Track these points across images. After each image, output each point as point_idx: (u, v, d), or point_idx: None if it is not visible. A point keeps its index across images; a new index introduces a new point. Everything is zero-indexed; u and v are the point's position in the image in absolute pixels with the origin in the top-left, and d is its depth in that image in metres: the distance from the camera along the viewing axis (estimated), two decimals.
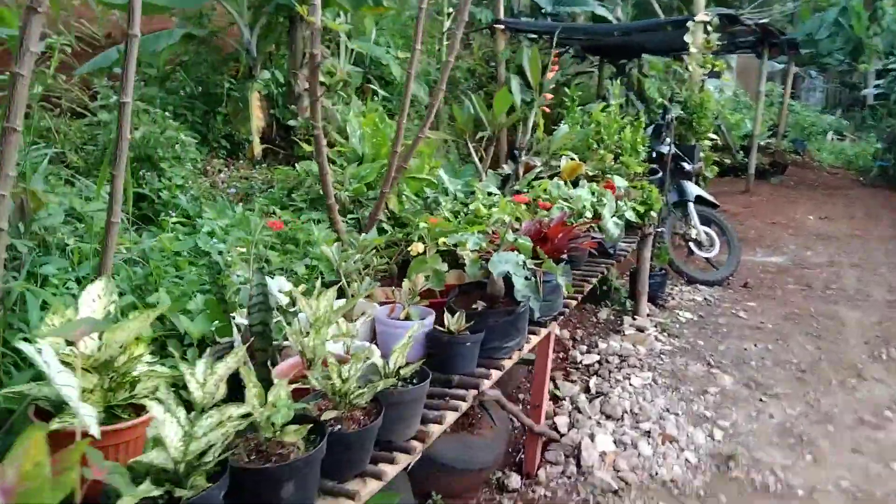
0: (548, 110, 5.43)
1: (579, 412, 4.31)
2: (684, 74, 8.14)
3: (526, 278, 2.69)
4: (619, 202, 4.36)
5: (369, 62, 7.38)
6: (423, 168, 4.50)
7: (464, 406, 2.36)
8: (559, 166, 4.82)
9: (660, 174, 6.16)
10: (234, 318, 2.21)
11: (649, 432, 4.11)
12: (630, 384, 4.68)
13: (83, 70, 5.00)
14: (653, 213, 4.91)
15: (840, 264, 7.82)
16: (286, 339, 2.07)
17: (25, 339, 1.93)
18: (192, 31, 5.52)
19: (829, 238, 9.09)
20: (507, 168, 5.06)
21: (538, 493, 3.60)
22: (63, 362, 1.46)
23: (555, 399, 4.50)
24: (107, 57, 5.05)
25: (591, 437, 3.99)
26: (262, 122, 5.28)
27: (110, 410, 1.65)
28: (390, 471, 1.94)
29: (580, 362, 5.06)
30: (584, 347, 5.32)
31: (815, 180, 13.67)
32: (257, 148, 5.21)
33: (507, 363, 2.74)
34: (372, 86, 6.77)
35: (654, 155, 6.58)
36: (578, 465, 3.79)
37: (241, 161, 5.35)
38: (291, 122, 5.57)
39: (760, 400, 4.57)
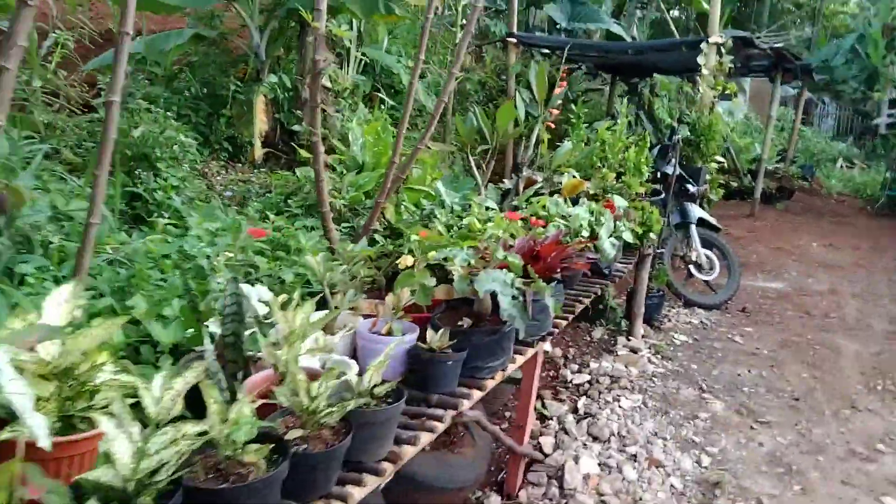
0: (553, 126, 5.39)
1: (566, 433, 4.26)
2: (695, 96, 8.09)
3: (513, 297, 2.65)
4: (617, 222, 4.32)
5: (380, 70, 7.38)
6: (426, 178, 4.47)
7: (440, 427, 2.32)
8: (561, 183, 4.78)
9: (662, 195, 6.12)
10: (207, 326, 2.18)
11: (636, 456, 4.06)
12: (619, 406, 4.63)
13: (91, 66, 5.00)
14: (652, 235, 4.87)
15: (841, 293, 7.74)
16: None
17: None
18: (202, 32, 5.52)
19: (833, 266, 9.01)
20: (508, 182, 5.03)
21: None
22: (20, 369, 1.42)
23: (542, 418, 4.45)
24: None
25: (576, 458, 3.93)
26: (266, 125, 5.27)
27: (69, 420, 1.61)
28: (357, 493, 1.89)
29: (570, 381, 5.01)
30: (576, 366, 5.27)
31: (821, 207, 13.58)
32: (258, 151, 5.20)
33: (490, 383, 2.69)
34: (380, 94, 6.76)
35: (658, 175, 6.55)
36: (561, 488, 3.73)
37: (243, 164, 5.34)
38: (296, 127, 5.56)
39: (751, 427, 4.51)
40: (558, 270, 3.23)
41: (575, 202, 4.44)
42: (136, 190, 3.76)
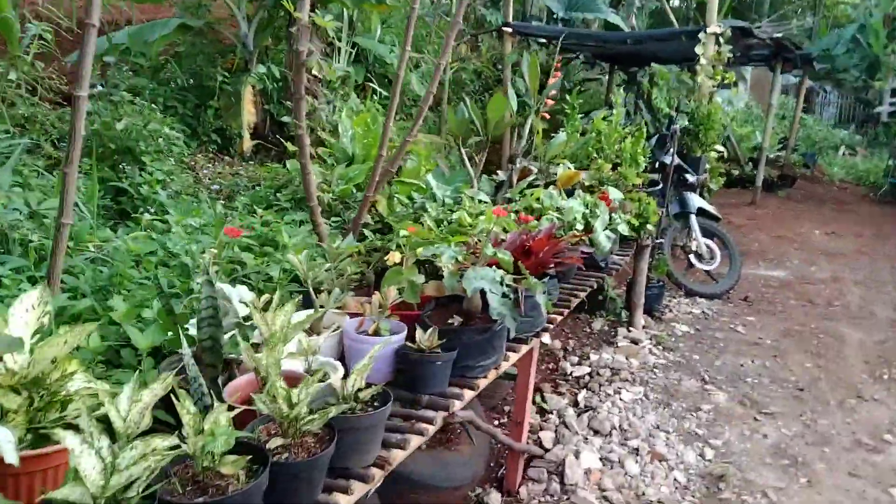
0: (547, 116, 5.29)
1: (566, 427, 4.19)
2: (693, 85, 8.00)
3: (503, 295, 2.56)
4: (613, 214, 4.23)
5: (373, 60, 7.28)
6: (419, 170, 4.38)
7: (431, 430, 2.24)
8: (556, 174, 4.69)
9: (660, 186, 6.04)
10: (187, 329, 2.09)
11: (637, 450, 3.99)
12: (620, 399, 4.56)
13: (73, 58, 4.91)
14: (649, 227, 4.78)
15: (844, 281, 7.66)
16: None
17: None
18: (189, 22, 5.42)
19: (835, 254, 8.93)
20: (502, 174, 4.94)
21: None
22: None
23: (542, 412, 4.38)
24: (99, 45, 4.95)
25: (577, 453, 3.86)
26: (254, 117, 5.18)
27: (39, 431, 1.53)
28: (344, 502, 1.82)
29: (570, 374, 4.94)
30: (576, 359, 5.20)
31: (823, 195, 13.49)
32: (247, 143, 5.10)
33: (483, 382, 2.61)
34: (372, 84, 6.66)
35: (657, 165, 6.47)
36: (562, 483, 3.66)
37: (232, 156, 5.25)
38: (285, 119, 5.47)
39: (755, 418, 4.44)
40: (551, 265, 3.14)
41: (570, 194, 4.35)
42: (120, 184, 3.67)
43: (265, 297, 2.08)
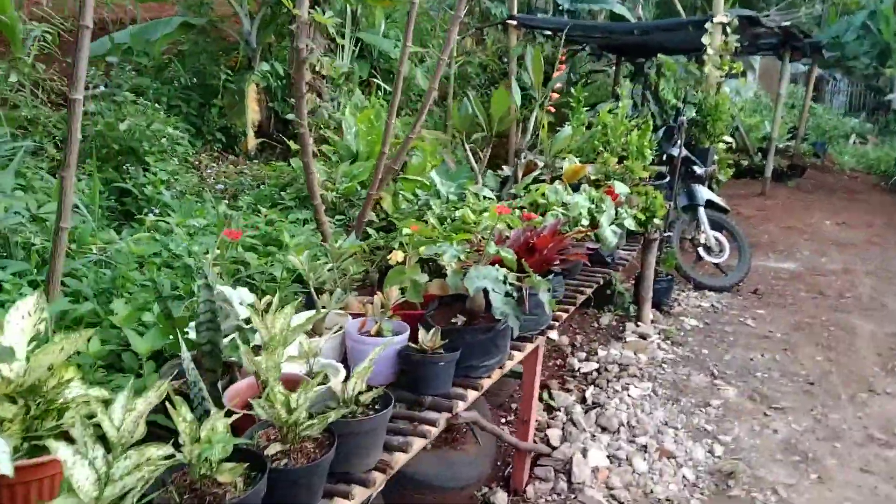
0: (553, 110, 5.25)
1: (573, 424, 4.16)
2: (701, 76, 7.93)
3: (507, 294, 2.53)
4: (619, 209, 4.19)
5: (377, 55, 7.25)
6: (425, 166, 4.36)
7: (434, 431, 2.22)
8: (562, 168, 4.65)
9: (668, 178, 5.99)
10: (187, 333, 2.08)
11: (646, 447, 3.96)
12: (628, 395, 4.52)
13: None
14: (656, 221, 4.73)
15: (855, 272, 7.59)
16: None
17: None
18: (191, 20, 5.40)
19: (846, 245, 8.84)
20: (507, 169, 4.90)
21: None
22: None
23: (549, 409, 4.35)
24: (102, 45, 4.94)
25: (584, 451, 3.83)
26: (258, 115, 5.16)
27: (35, 441, 1.52)
28: None
29: (578, 370, 4.91)
30: (583, 354, 5.16)
31: (834, 184, 13.37)
32: (252, 142, 5.09)
33: (486, 382, 2.59)
34: (377, 80, 6.63)
35: (664, 157, 6.42)
36: (569, 482, 3.64)
37: (237, 155, 5.24)
38: (290, 116, 5.45)
39: (765, 414, 4.40)
40: (556, 262, 3.11)
41: (576, 188, 4.31)
42: (124, 185, 3.66)
43: (266, 299, 2.06)
